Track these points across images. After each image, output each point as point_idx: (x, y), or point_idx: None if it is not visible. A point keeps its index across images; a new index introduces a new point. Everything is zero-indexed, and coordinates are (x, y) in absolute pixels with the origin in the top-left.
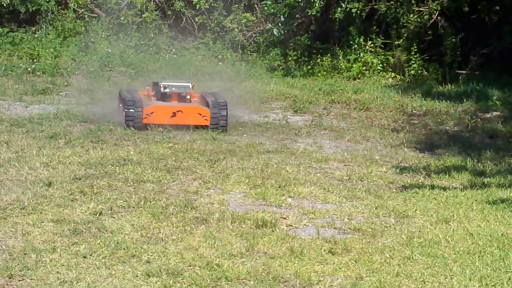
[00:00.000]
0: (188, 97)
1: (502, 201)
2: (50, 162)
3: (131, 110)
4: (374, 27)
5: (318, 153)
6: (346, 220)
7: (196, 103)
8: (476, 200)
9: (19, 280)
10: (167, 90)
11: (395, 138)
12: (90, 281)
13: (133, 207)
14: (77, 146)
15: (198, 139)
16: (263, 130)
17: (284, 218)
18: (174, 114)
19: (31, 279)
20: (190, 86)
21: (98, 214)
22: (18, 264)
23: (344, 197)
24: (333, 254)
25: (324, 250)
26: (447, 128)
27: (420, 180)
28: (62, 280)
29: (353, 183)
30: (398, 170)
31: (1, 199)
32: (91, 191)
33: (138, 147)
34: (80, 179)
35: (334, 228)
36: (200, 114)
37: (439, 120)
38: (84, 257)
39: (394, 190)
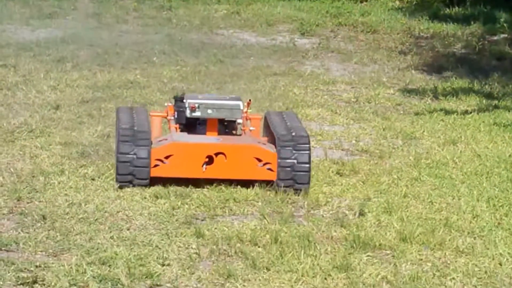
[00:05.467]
0: (239, 123)
1: (510, 123)
2: (58, 85)
3: (128, 154)
4: None
5: (325, 75)
6: (353, 141)
7: (251, 138)
8: (483, 122)
9: (28, 203)
10: (197, 113)
11: (402, 60)
12: (98, 203)
13: None
14: (84, 70)
15: (205, 62)
16: (270, 53)
17: None
18: (209, 161)
19: (40, 201)
20: (241, 106)
21: (105, 137)
22: (27, 187)
23: (352, 119)
24: (340, 176)
25: (332, 172)
26: (455, 50)
27: (427, 102)
28: (70, 202)
29: (361, 105)
30: (405, 92)
31: (9, 122)
32: (99, 114)
33: (145, 71)
34: (87, 102)
35: (342, 150)
36: (259, 160)
37: (446, 42)
38: (92, 179)
39: (402, 112)
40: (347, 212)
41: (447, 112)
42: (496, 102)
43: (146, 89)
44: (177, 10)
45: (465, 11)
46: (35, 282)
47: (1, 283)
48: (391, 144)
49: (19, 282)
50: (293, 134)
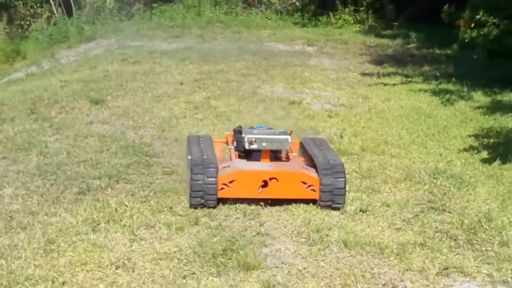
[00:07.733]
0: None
1: (417, 89)
2: (182, 72)
3: (199, 180)
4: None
5: (321, 66)
6: (336, 100)
7: (297, 163)
8: (404, 89)
9: (167, 132)
10: (254, 146)
11: (361, 58)
12: (206, 131)
13: (225, 94)
14: (195, 63)
15: (258, 59)
16: (292, 54)
17: (304, 99)
18: (265, 184)
19: (178, 133)
20: (289, 139)
21: (207, 98)
22: (167, 125)
23: (335, 88)
24: (330, 117)
25: (325, 115)
26: (388, 52)
27: (374, 79)
28: (190, 132)
29: (340, 81)
30: (363, 75)
31: (157, 91)
32: (204, 86)
33: (227, 64)
34: (197, 80)
35: (330, 104)
36: (305, 183)
37: (384, 48)
38: (201, 120)
39: (361, 84)
40: (334, 136)
41: (385, 84)
42: (410, 79)
43: (227, 74)
44: (243, 33)
45: (394, 31)
46: (172, 172)
47: (151, 175)
48: (356, 101)
49: (164, 173)
50: (332, 163)
